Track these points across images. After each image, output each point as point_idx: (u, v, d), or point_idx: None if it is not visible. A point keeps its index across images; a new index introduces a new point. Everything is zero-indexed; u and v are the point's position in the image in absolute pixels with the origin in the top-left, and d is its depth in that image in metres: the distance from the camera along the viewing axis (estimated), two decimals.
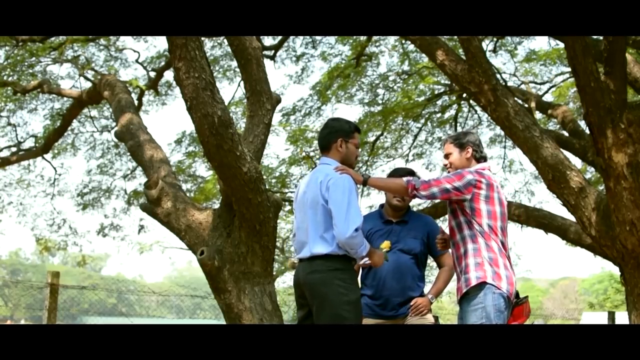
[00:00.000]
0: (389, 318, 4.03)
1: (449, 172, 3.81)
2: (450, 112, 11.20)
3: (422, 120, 11.13)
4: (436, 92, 10.82)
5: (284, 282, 15.90)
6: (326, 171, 3.62)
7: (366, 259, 3.68)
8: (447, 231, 3.80)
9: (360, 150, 3.71)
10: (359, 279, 4.18)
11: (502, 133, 10.55)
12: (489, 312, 3.46)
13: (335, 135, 3.69)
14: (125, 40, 11.78)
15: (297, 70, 12.94)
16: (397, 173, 4.21)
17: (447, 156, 3.84)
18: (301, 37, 10.69)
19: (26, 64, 9.91)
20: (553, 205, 22.30)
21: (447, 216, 3.83)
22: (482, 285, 3.50)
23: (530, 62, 10.79)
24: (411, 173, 4.22)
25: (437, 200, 11.09)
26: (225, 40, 9.26)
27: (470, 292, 3.52)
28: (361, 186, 3.69)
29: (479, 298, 3.50)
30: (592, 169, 9.91)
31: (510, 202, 9.36)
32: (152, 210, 5.08)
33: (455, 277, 3.79)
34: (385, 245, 3.79)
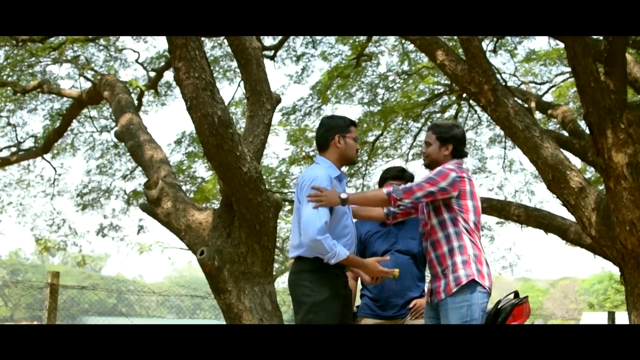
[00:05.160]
0: (389, 318, 4.03)
1: (424, 160, 3.80)
2: (450, 112, 11.20)
3: (422, 120, 11.13)
4: (436, 92, 10.82)
5: (284, 282, 15.88)
6: (310, 173, 3.63)
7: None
8: (426, 229, 3.72)
9: (358, 144, 3.69)
10: (358, 280, 4.18)
11: (502, 133, 10.55)
12: (474, 310, 3.45)
13: (332, 132, 3.69)
14: (125, 41, 11.79)
15: (297, 70, 12.95)
16: (388, 173, 4.22)
17: (426, 144, 3.79)
18: (301, 37, 10.69)
19: (26, 64, 9.90)
20: (553, 205, 22.32)
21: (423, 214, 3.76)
22: (470, 283, 3.48)
23: (530, 62, 10.79)
24: (402, 171, 4.22)
25: None
26: (225, 40, 9.26)
27: (458, 290, 3.49)
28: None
29: (466, 295, 3.47)
30: (592, 169, 9.91)
31: (510, 202, 9.37)
32: (152, 210, 5.07)
33: (434, 276, 3.67)
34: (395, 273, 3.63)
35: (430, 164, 3.76)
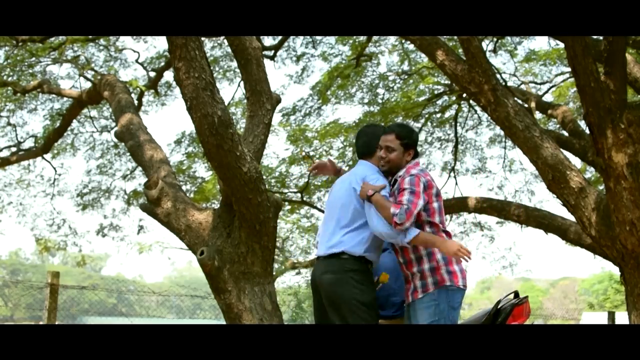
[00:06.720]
0: (388, 318, 4.02)
1: (382, 165, 3.79)
2: (450, 112, 11.21)
3: (422, 120, 11.13)
4: (436, 92, 10.82)
5: (284, 282, 15.89)
6: (361, 174, 3.75)
7: None
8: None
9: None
10: None
11: (502, 133, 10.54)
12: (442, 309, 3.53)
13: (376, 141, 3.83)
14: (125, 41, 11.78)
15: (297, 70, 12.95)
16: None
17: (388, 149, 3.76)
18: (301, 37, 10.69)
19: (26, 64, 9.90)
20: (553, 205, 22.30)
21: None
22: (439, 288, 3.57)
23: (530, 62, 10.79)
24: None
25: None
26: (225, 41, 9.26)
27: (425, 295, 3.59)
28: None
29: (433, 295, 3.55)
30: (592, 169, 9.90)
31: (510, 202, 9.37)
32: (152, 210, 5.07)
33: (405, 278, 3.77)
34: (384, 277, 3.81)
35: (390, 169, 3.79)
